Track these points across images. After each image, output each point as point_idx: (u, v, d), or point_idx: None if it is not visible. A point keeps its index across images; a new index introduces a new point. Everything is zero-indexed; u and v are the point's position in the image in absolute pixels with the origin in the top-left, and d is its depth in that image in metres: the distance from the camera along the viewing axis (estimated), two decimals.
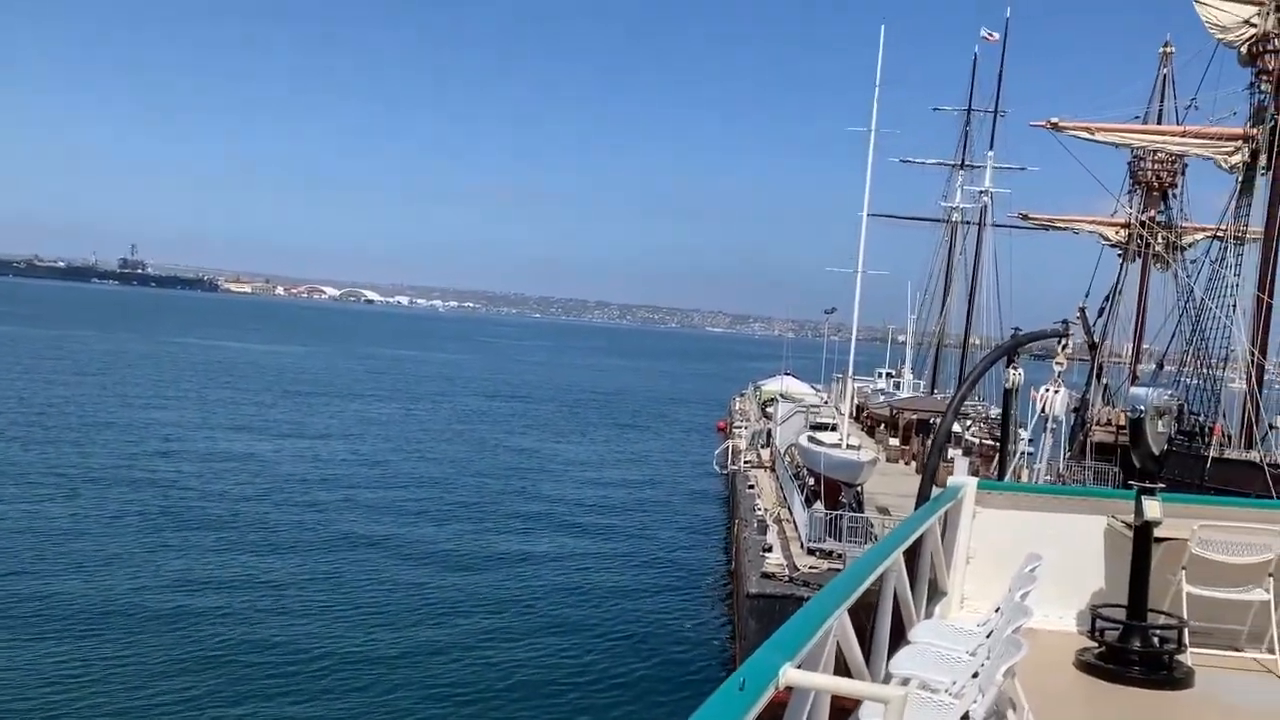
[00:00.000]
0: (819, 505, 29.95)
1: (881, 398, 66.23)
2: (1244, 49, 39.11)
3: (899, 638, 5.62)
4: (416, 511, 41.43)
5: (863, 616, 5.20)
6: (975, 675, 4.62)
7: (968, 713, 4.11)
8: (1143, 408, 6.81)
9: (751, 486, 39.60)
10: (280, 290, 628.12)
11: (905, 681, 4.88)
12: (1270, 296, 38.34)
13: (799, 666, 3.26)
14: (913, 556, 6.60)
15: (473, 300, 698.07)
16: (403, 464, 53.03)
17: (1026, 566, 6.09)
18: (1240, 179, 40.42)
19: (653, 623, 29.08)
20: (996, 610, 6.12)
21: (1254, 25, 38.55)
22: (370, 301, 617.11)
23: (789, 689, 3.19)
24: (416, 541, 36.33)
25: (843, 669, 4.25)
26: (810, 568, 26.72)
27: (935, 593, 7.33)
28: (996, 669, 3.98)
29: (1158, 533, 6.87)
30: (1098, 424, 46.19)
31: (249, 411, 69.72)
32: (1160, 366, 48.94)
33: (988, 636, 5.40)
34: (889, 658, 5.22)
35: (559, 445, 65.98)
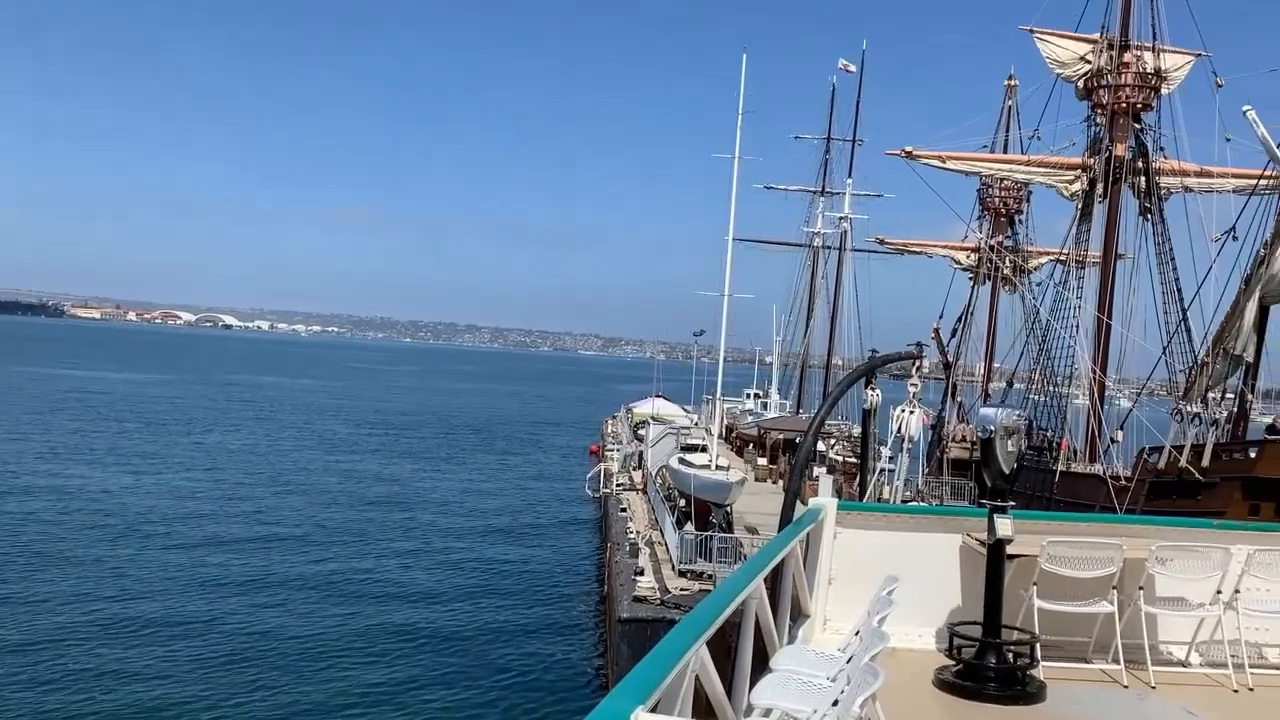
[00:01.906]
0: (690, 526, 30.08)
1: (750, 418, 67.30)
2: (1081, 84, 41.57)
3: (762, 664, 5.56)
4: (284, 547, 39.60)
5: (724, 644, 5.12)
6: (836, 703, 4.58)
7: None
8: (992, 427, 6.98)
9: (624, 510, 39.55)
10: (132, 315, 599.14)
11: (767, 713, 4.81)
12: (1109, 317, 40.62)
13: (654, 709, 3.12)
14: (775, 579, 6.57)
15: (337, 325, 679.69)
16: (268, 496, 50.85)
17: (884, 589, 6.12)
18: (1080, 206, 42.81)
19: (524, 652, 28.61)
20: (857, 634, 6.13)
21: (1089, 62, 41.03)
22: (229, 327, 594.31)
23: None
24: (285, 579, 34.71)
25: (703, 702, 4.14)
26: (682, 590, 26.76)
27: (798, 615, 7.33)
28: (854, 699, 3.94)
29: (1009, 550, 7.04)
30: (953, 440, 48.01)
31: (103, 443, 65.82)
32: (1010, 384, 51.22)
33: (848, 662, 5.38)
34: (751, 687, 5.14)
35: (430, 473, 64.60)
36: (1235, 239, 34.85)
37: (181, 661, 25.60)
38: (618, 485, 46.31)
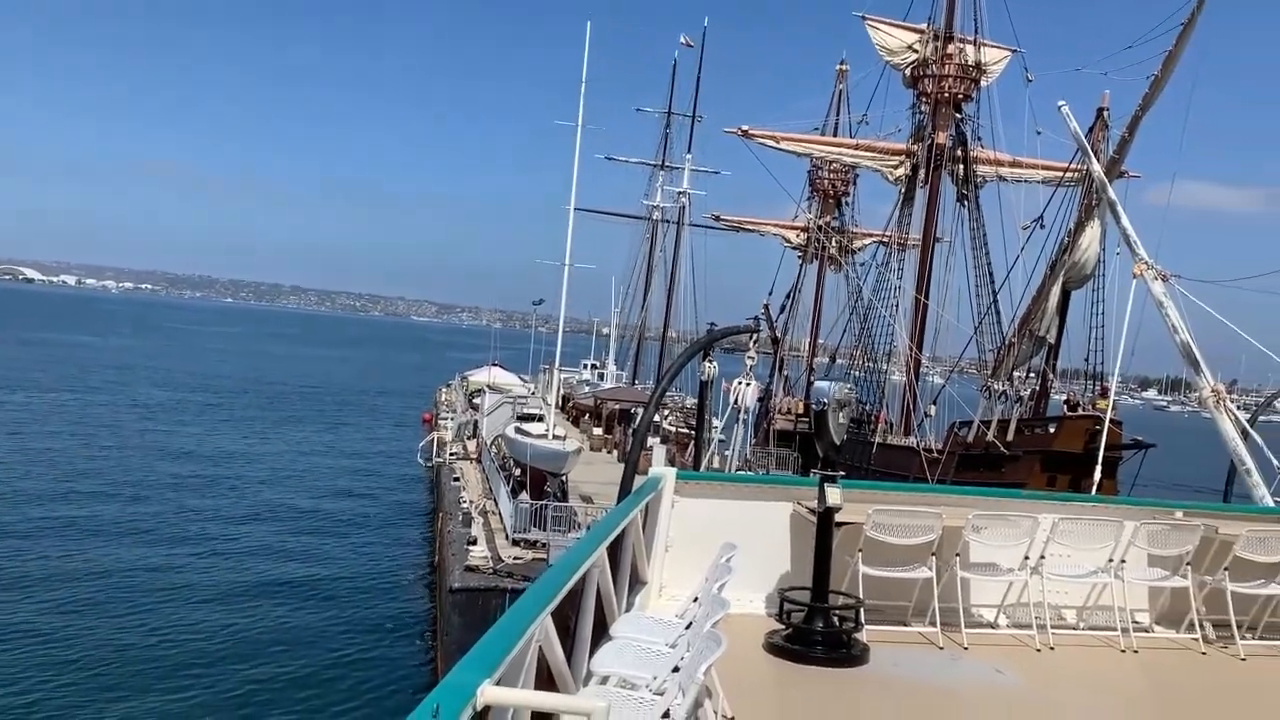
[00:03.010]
0: (525, 496, 30.02)
1: (586, 388, 67.62)
2: (908, 72, 43.41)
3: (601, 632, 5.60)
4: (96, 518, 36.95)
5: (566, 612, 5.13)
6: (676, 670, 4.65)
7: (669, 709, 4.11)
8: (826, 400, 7.24)
9: (457, 479, 39.08)
10: None
11: (605, 680, 4.85)
12: (926, 298, 42.83)
13: (499, 682, 3.09)
14: (615, 548, 6.63)
15: (151, 281, 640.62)
16: (79, 466, 47.28)
17: (723, 557, 6.25)
18: (903, 191, 44.87)
19: (352, 623, 27.97)
20: (695, 600, 6.25)
21: (916, 51, 42.88)
22: (30, 280, 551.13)
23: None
24: (97, 551, 32.46)
25: (545, 671, 4.14)
26: (515, 559, 26.72)
27: (635, 582, 7.41)
28: (697, 667, 4.01)
29: (837, 518, 7.32)
30: (780, 413, 49.67)
31: None
32: (834, 360, 53.34)
33: (687, 628, 5.48)
34: (591, 655, 5.16)
35: (256, 441, 61.87)
36: (1043, 227, 37.40)
37: None
38: (451, 454, 45.69)
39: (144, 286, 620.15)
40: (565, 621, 4.95)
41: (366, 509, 44.06)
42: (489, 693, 2.95)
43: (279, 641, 25.82)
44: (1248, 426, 13.06)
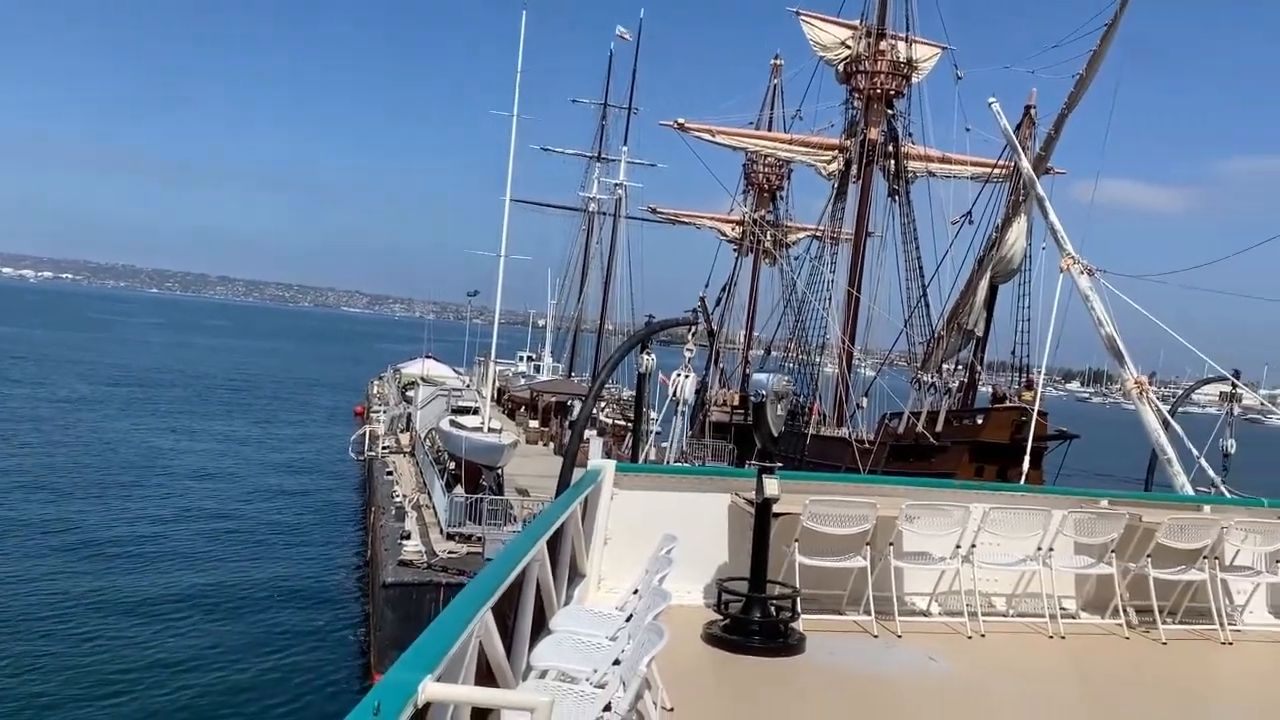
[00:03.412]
0: (459, 489, 29.79)
1: (522, 381, 67.29)
2: (841, 67, 43.88)
3: (541, 625, 5.57)
4: (18, 522, 35.41)
5: (505, 607, 5.08)
6: (617, 663, 4.64)
7: (610, 703, 4.10)
8: (764, 392, 7.26)
9: (390, 473, 38.64)
10: None
11: (544, 674, 4.82)
12: (858, 291, 43.39)
13: (439, 679, 3.06)
14: (555, 541, 6.60)
15: (72, 271, 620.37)
16: None
17: (663, 548, 6.26)
18: (836, 185, 45.37)
19: (283, 622, 27.50)
20: (635, 592, 6.24)
21: (849, 47, 43.35)
22: None
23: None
24: (20, 557, 31.15)
25: (484, 666, 4.10)
26: (450, 553, 26.52)
27: (574, 575, 7.40)
28: (639, 659, 4.00)
29: (775, 508, 7.37)
30: (715, 405, 49.95)
31: None
32: (768, 352, 53.80)
33: (627, 620, 5.47)
34: (530, 649, 5.13)
35: (183, 436, 60.37)
36: (971, 222, 38.14)
37: None
38: (384, 448, 45.15)
39: (65, 276, 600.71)
40: (504, 616, 4.92)
41: (298, 504, 43.32)
42: (430, 689, 2.92)
43: (211, 645, 25.24)
44: (1168, 417, 13.48)
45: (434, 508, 30.94)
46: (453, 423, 36.41)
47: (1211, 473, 13.07)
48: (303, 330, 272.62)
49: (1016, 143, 23.18)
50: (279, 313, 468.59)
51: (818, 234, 48.88)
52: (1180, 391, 22.28)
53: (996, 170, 37.46)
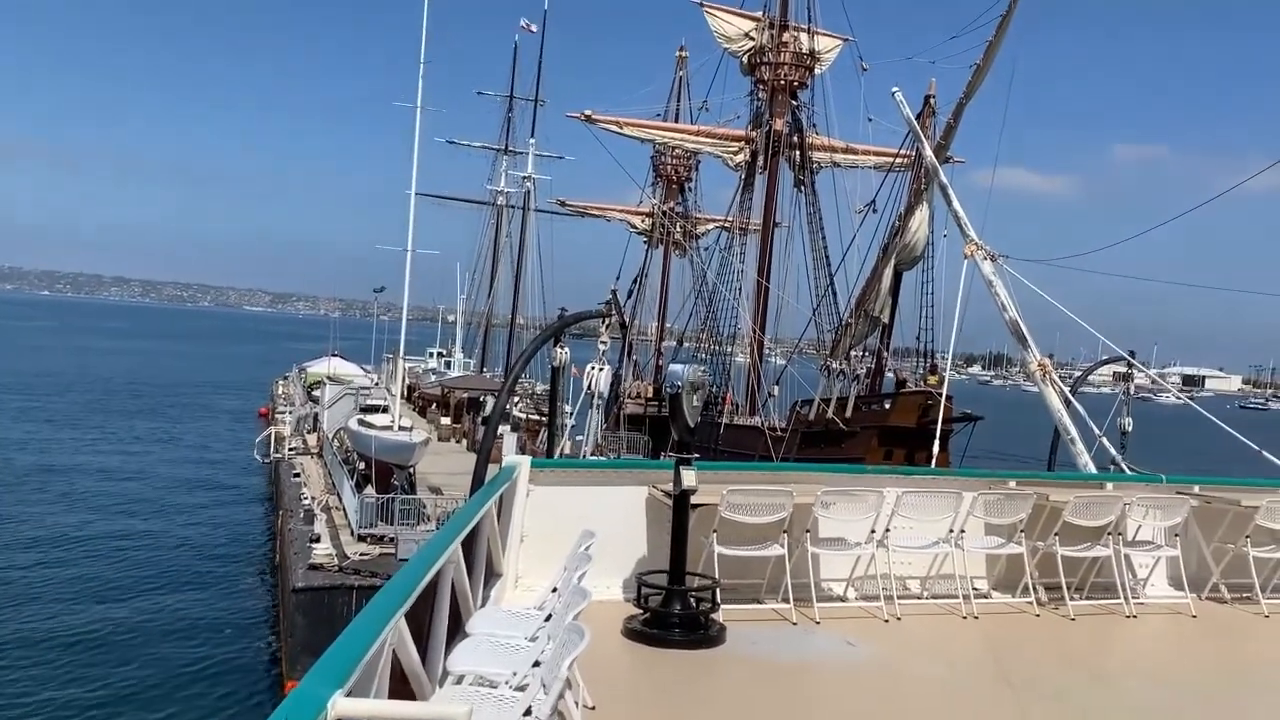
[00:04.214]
0: (370, 490, 29.18)
1: (433, 377, 66.36)
2: (745, 59, 44.24)
3: (457, 628, 5.41)
4: None
5: (421, 611, 4.91)
6: (537, 664, 4.51)
7: (531, 706, 3.98)
8: (680, 383, 7.19)
9: (297, 475, 37.70)
10: None
11: (461, 679, 4.68)
12: (767, 281, 43.88)
13: (351, 692, 2.90)
14: (470, 541, 6.44)
15: None
16: None
17: (581, 545, 6.14)
18: (743, 176, 45.78)
19: (190, 632, 26.56)
20: (554, 591, 6.12)
21: (753, 39, 43.73)
22: None
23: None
24: None
25: (398, 673, 3.95)
26: (361, 555, 25.97)
27: (491, 575, 7.24)
28: (560, 661, 3.88)
29: (693, 500, 7.32)
30: (630, 397, 50.00)
31: None
32: (681, 343, 54.11)
33: (546, 619, 5.35)
34: (447, 654, 4.98)
35: (80, 443, 57.85)
36: (875, 211, 38.90)
37: None
38: (290, 449, 44.01)
39: None
40: (420, 621, 4.75)
41: (202, 509, 41.94)
42: (341, 705, 2.78)
43: (116, 656, 24.26)
44: (1070, 396, 13.87)
45: (344, 509, 30.26)
46: (361, 422, 35.61)
47: (1112, 450, 13.50)
48: (204, 330, 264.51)
49: (919, 130, 23.64)
50: (178, 313, 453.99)
51: (726, 225, 49.27)
52: (1078, 373, 23.02)
53: (899, 160, 38.22)
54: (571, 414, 25.66)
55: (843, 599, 8.35)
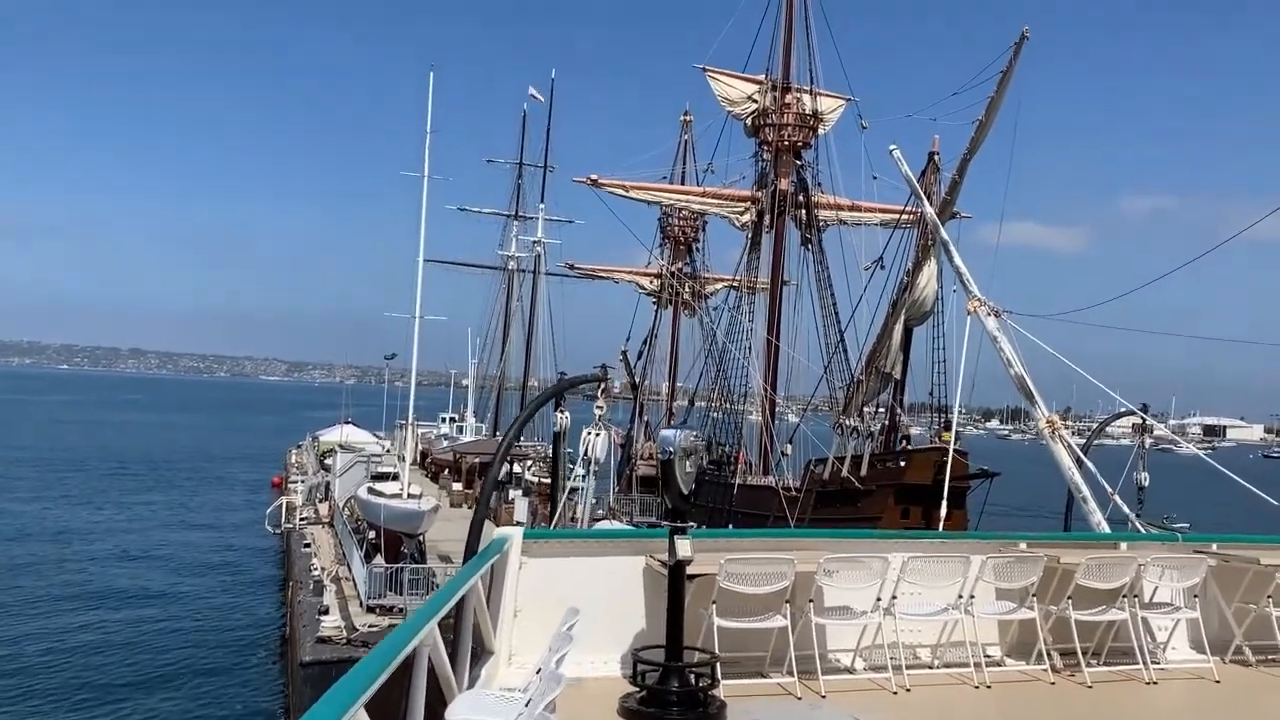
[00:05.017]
0: (379, 559, 28.86)
1: (445, 443, 66.17)
2: (749, 121, 44.62)
3: (439, 711, 5.17)
4: None
5: (394, 697, 4.67)
6: None
7: None
8: (671, 449, 7.03)
9: (308, 545, 37.37)
10: None
11: None
12: (777, 338, 43.73)
13: None
14: (457, 617, 6.21)
15: None
16: None
17: (565, 624, 5.91)
18: (750, 236, 45.90)
19: (199, 707, 26.13)
20: (538, 672, 5.87)
21: (756, 101, 44.14)
22: None
23: None
24: None
25: None
26: (370, 626, 25.56)
27: (483, 653, 6.99)
28: None
29: (690, 569, 7.07)
30: (641, 458, 49.67)
31: None
32: (692, 403, 53.86)
33: (527, 705, 5.10)
34: None
35: (95, 516, 57.73)
36: (883, 267, 38.78)
37: None
38: (301, 519, 43.75)
39: None
40: (390, 710, 4.51)
41: (214, 584, 41.59)
42: None
43: None
44: (1081, 455, 13.56)
45: (353, 579, 29.90)
46: (371, 490, 35.41)
47: (1126, 509, 13.16)
48: (220, 401, 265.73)
49: (918, 187, 23.65)
50: (195, 384, 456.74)
51: (735, 284, 49.29)
52: (1094, 426, 22.69)
53: (904, 216, 38.22)
54: (582, 477, 25.41)
55: (850, 670, 8.04)
